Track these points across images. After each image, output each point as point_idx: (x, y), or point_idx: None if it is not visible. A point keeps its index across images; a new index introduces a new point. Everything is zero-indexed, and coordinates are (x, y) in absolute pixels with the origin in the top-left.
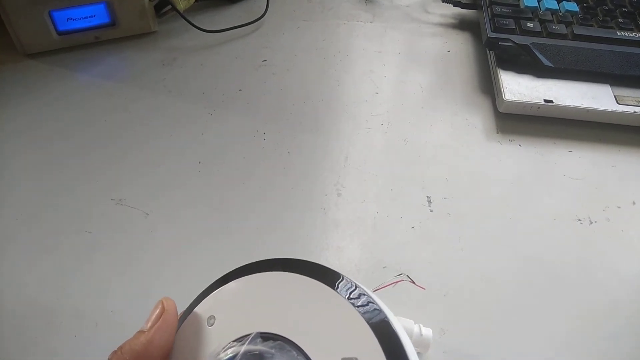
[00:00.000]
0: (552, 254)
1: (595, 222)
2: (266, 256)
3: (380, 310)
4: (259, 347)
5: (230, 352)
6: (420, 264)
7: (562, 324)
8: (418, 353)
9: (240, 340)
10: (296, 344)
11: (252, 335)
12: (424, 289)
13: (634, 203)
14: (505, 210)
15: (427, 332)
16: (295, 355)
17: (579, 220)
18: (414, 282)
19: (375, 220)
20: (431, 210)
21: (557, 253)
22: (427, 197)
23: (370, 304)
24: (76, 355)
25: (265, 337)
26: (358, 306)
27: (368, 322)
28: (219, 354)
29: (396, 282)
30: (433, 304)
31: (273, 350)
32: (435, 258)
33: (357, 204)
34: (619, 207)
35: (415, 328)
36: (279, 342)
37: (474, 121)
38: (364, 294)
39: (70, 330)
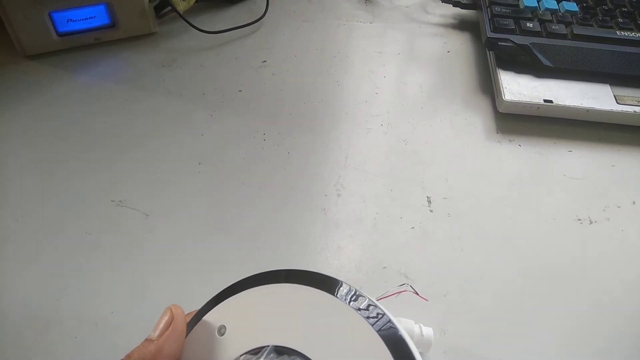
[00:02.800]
0: (552, 253)
1: (595, 222)
2: (266, 257)
3: (390, 321)
4: None
5: None
6: (420, 264)
7: (562, 324)
8: (419, 353)
9: (253, 352)
10: (310, 359)
11: (268, 349)
12: (427, 300)
13: (634, 203)
14: (505, 210)
15: (427, 332)
16: None
17: (579, 220)
18: (417, 293)
19: (375, 221)
20: (431, 211)
21: (557, 253)
22: (427, 197)
23: (379, 314)
24: (76, 356)
25: (280, 350)
26: (369, 318)
27: (380, 334)
28: None
29: (399, 292)
30: (433, 304)
31: None
32: (435, 258)
33: (357, 204)
34: (619, 207)
35: (416, 328)
36: (294, 357)
37: (474, 121)
38: (373, 305)
39: (70, 331)
